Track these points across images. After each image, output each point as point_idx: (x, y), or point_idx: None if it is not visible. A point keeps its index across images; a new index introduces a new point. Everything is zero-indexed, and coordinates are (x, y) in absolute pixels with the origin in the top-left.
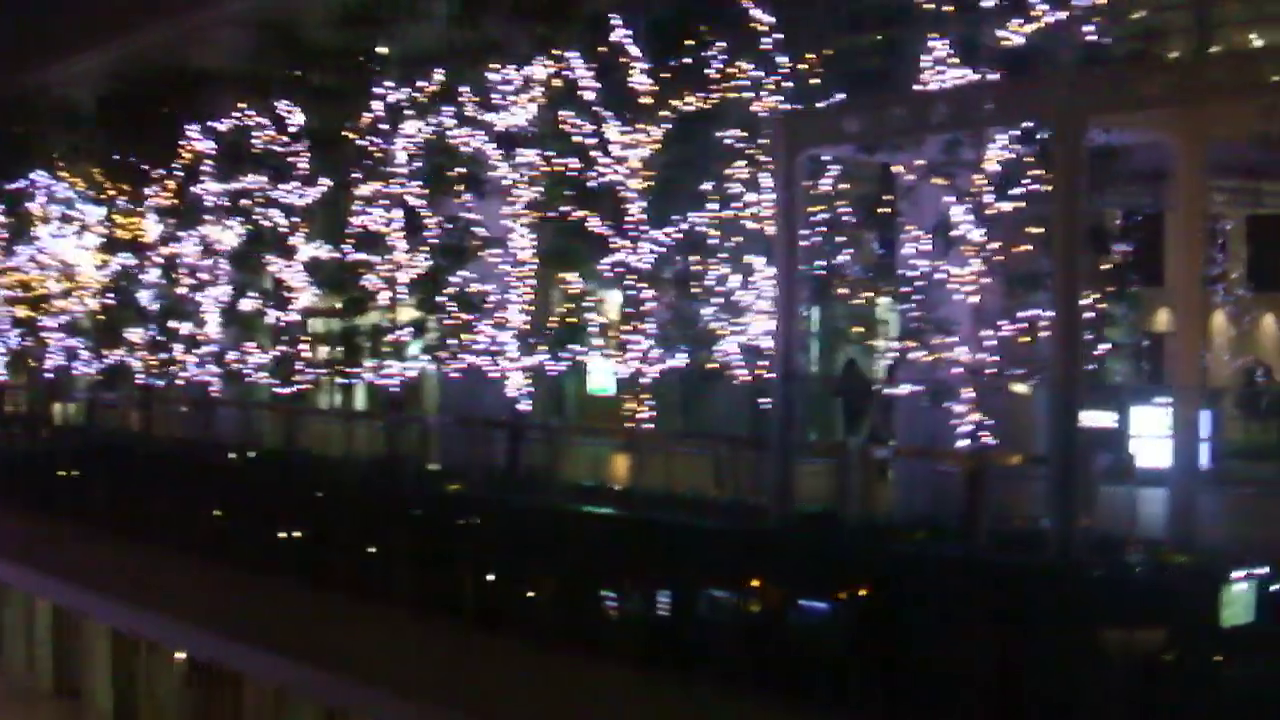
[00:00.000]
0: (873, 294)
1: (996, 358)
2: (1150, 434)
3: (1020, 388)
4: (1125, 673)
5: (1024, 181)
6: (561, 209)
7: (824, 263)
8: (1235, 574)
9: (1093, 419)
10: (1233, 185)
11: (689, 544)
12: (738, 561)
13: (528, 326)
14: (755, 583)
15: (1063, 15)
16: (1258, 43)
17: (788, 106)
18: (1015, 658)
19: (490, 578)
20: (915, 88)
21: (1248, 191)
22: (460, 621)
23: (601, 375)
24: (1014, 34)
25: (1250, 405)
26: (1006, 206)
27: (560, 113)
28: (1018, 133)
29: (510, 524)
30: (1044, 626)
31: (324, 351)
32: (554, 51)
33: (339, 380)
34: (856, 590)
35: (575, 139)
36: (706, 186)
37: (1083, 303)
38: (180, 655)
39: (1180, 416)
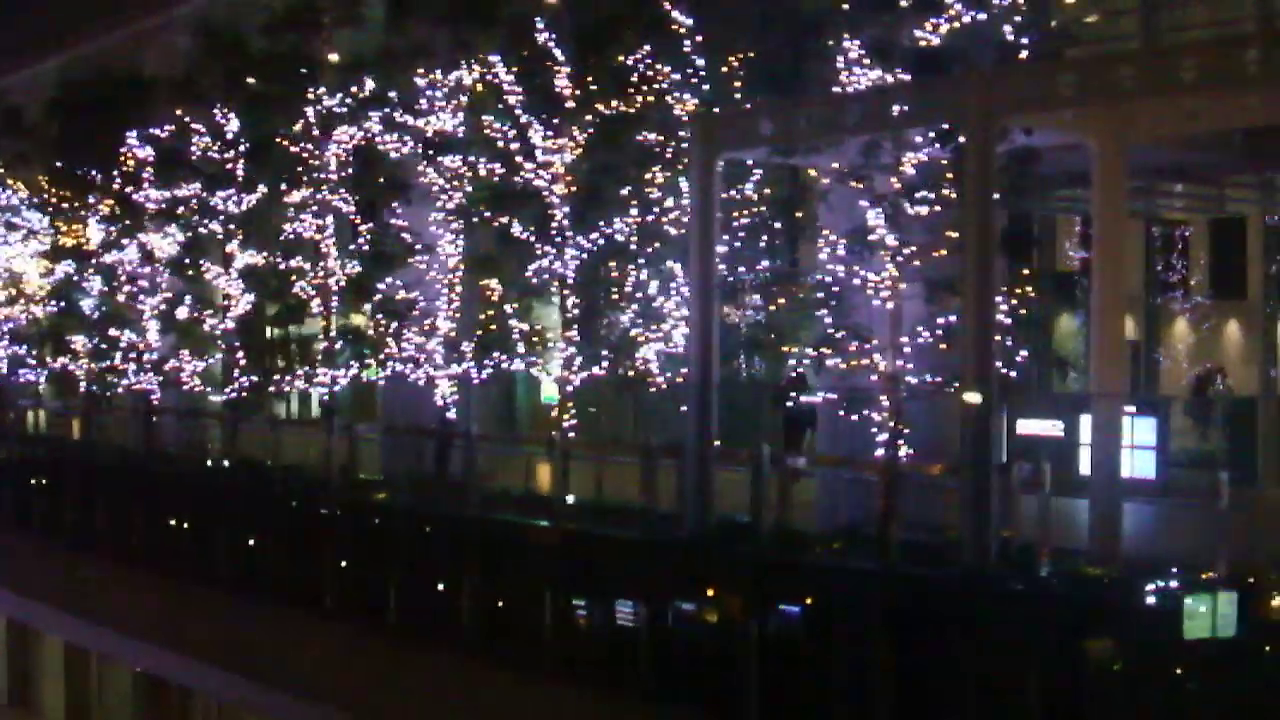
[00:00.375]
0: (785, 300)
1: (911, 365)
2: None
3: (974, 397)
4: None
5: (942, 185)
6: (486, 214)
7: (744, 268)
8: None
9: (1039, 428)
10: (1194, 190)
11: (603, 554)
12: (648, 571)
13: (454, 334)
14: (660, 593)
15: (981, 15)
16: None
17: (707, 109)
18: (912, 671)
19: (415, 588)
20: (834, 89)
21: (1209, 197)
22: (384, 630)
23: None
24: (930, 34)
25: (1200, 413)
26: (924, 210)
27: (485, 117)
28: (935, 135)
29: (432, 534)
30: (943, 638)
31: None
32: (479, 56)
33: (270, 389)
34: (761, 601)
35: (500, 144)
36: (629, 191)
37: (1004, 307)
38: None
39: (1100, 425)
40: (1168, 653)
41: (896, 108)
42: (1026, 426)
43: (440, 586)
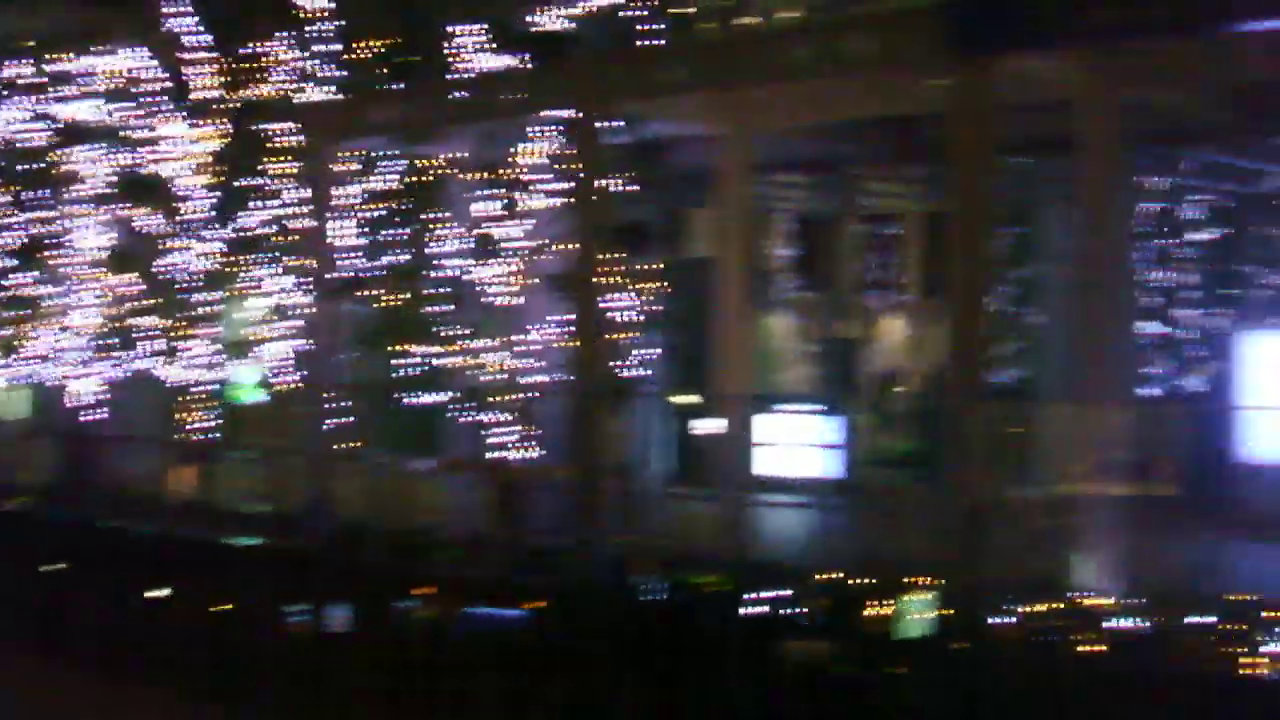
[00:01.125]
0: (408, 294)
1: (541, 363)
2: (770, 442)
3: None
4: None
5: (561, 176)
6: (121, 207)
7: (372, 261)
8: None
9: (711, 427)
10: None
11: (209, 559)
12: (252, 577)
13: (98, 330)
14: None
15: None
16: None
17: (337, 97)
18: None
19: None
20: (458, 76)
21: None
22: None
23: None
24: (552, 19)
25: (883, 412)
26: (542, 202)
27: (122, 106)
28: (556, 125)
29: (54, 541)
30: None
31: None
32: (113, 42)
33: None
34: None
35: (136, 133)
36: (261, 182)
37: (630, 303)
38: None
39: (731, 424)
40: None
41: (509, 94)
42: (702, 426)
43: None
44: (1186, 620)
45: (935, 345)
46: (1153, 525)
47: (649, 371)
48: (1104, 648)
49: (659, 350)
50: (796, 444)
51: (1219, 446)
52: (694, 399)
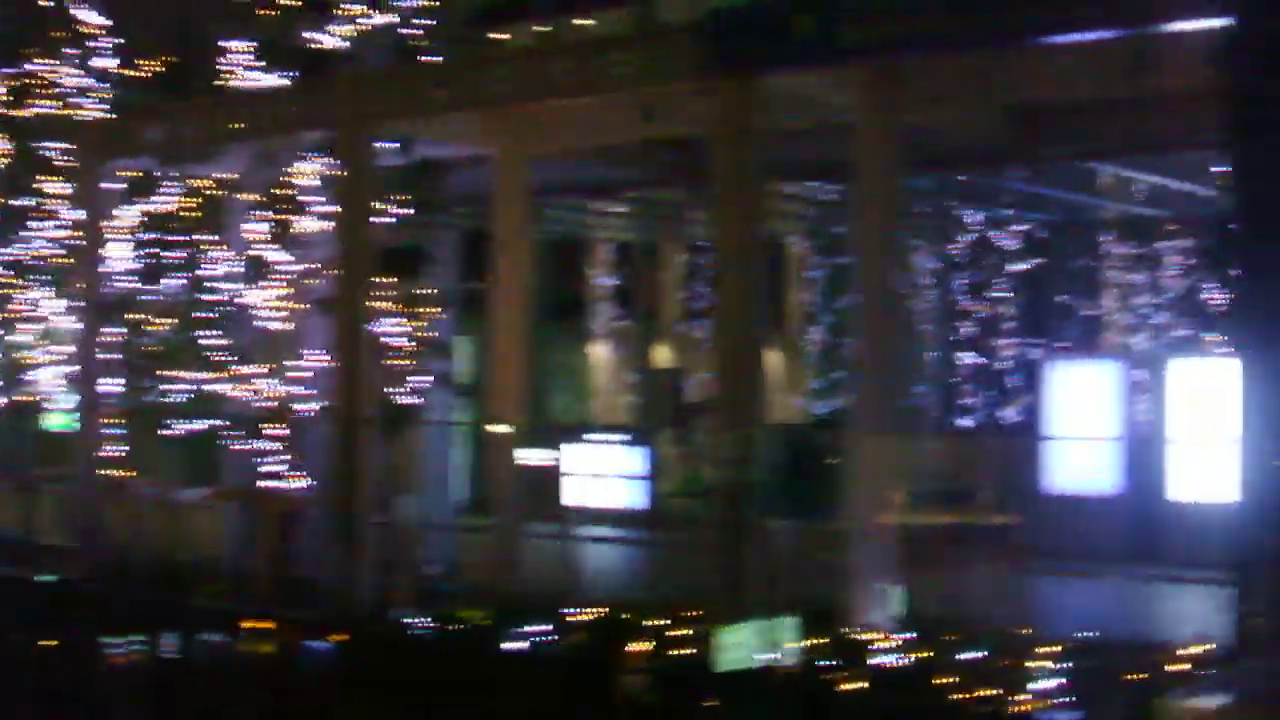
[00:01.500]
0: (179, 318)
1: (313, 389)
2: (577, 472)
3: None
4: None
5: (333, 197)
6: None
7: (139, 284)
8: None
9: (538, 458)
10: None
11: None
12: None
13: None
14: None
15: (388, 19)
16: None
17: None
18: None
19: None
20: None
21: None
22: None
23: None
24: (322, 36)
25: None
26: (315, 224)
27: None
28: (325, 145)
29: None
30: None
31: None
32: None
33: None
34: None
35: None
36: (37, 203)
37: (399, 330)
38: None
39: (504, 453)
40: None
41: (273, 113)
42: (527, 457)
43: None
44: (959, 655)
45: (769, 375)
46: (951, 557)
47: (422, 400)
48: (866, 684)
49: (442, 377)
50: (603, 475)
51: (1025, 477)
52: (503, 428)
